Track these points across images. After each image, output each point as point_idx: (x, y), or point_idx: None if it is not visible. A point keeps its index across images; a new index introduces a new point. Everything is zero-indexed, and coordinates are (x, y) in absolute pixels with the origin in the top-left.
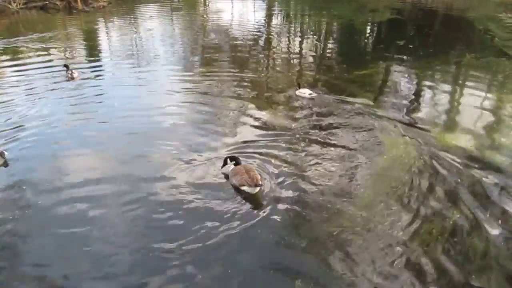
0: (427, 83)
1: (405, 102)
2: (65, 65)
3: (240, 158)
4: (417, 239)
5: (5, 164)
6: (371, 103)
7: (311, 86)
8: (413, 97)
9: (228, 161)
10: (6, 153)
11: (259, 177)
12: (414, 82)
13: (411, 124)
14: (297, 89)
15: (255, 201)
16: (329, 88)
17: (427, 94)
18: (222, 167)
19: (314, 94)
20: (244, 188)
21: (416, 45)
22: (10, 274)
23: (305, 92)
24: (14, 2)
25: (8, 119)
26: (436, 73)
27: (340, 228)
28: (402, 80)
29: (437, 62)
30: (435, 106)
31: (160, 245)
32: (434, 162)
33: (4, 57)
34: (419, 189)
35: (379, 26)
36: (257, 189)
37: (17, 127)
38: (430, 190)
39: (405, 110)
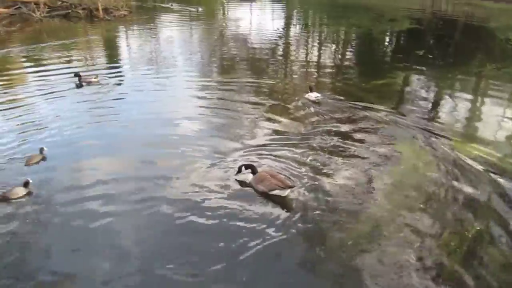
0: (447, 92)
1: (423, 111)
2: (76, 74)
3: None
4: (435, 250)
5: (44, 159)
6: (388, 112)
7: (329, 94)
8: (432, 106)
9: (243, 169)
10: (46, 149)
11: (286, 178)
12: (433, 92)
13: (430, 134)
14: (308, 93)
15: (271, 208)
16: (347, 97)
17: (446, 104)
18: (236, 173)
19: (320, 97)
20: (275, 192)
21: (436, 55)
22: (27, 269)
23: (312, 95)
24: (38, 11)
25: (30, 120)
26: (456, 83)
27: (355, 238)
28: (421, 90)
29: (457, 72)
30: (454, 116)
31: (179, 255)
32: (453, 172)
33: (27, 63)
34: (437, 199)
35: (398, 35)
36: (288, 191)
37: (38, 128)
38: (448, 200)
39: (423, 119)
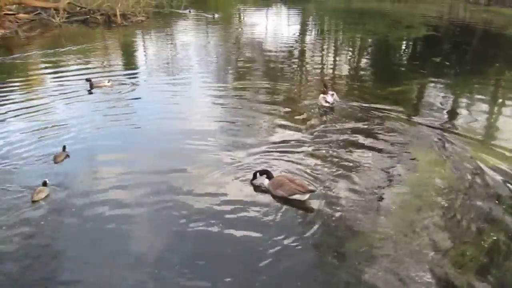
0: (464, 100)
1: (440, 119)
2: (87, 79)
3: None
4: (449, 261)
5: (68, 157)
6: (404, 119)
7: (344, 101)
8: (448, 114)
9: (258, 175)
10: (67, 148)
11: (306, 183)
12: (450, 100)
13: (447, 142)
14: (325, 93)
15: (285, 214)
16: (362, 103)
17: (463, 111)
18: (252, 180)
19: (336, 98)
20: (296, 196)
21: (453, 62)
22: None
23: (328, 98)
24: (58, 16)
25: (49, 120)
26: (474, 91)
27: (368, 246)
28: (437, 97)
29: (474, 80)
30: (472, 124)
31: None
32: (470, 181)
33: (46, 66)
34: (453, 208)
35: (414, 42)
36: (309, 195)
37: (58, 128)
38: (464, 210)
39: (440, 127)
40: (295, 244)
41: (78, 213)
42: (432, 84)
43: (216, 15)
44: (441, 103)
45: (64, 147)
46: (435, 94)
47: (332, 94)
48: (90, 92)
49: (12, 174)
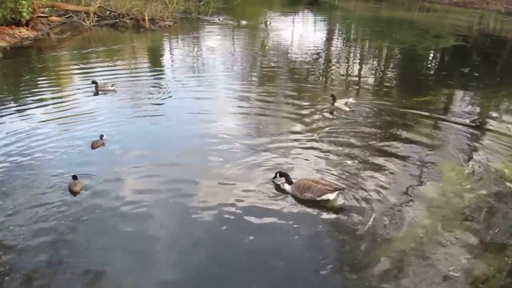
0: (493, 113)
1: (466, 131)
2: (93, 81)
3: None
4: (472, 275)
5: (104, 145)
6: (430, 129)
7: (369, 109)
8: (475, 126)
9: (278, 175)
10: (105, 136)
11: (332, 181)
12: (478, 111)
13: (472, 154)
14: (333, 103)
15: (306, 217)
16: (387, 112)
17: (491, 124)
18: (273, 178)
19: (351, 103)
20: (326, 196)
21: (482, 73)
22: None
23: (341, 104)
24: (88, 20)
25: (79, 113)
26: (503, 103)
27: (388, 257)
28: (464, 108)
29: (504, 92)
30: (499, 137)
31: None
32: (495, 194)
33: (75, 65)
34: (476, 222)
35: (442, 52)
36: (336, 193)
37: (87, 120)
38: (488, 224)
39: (466, 139)
40: (314, 247)
41: (111, 208)
42: (460, 95)
43: (243, 22)
44: (468, 115)
45: (101, 136)
46: (462, 105)
47: (346, 103)
48: (95, 94)
49: (44, 164)
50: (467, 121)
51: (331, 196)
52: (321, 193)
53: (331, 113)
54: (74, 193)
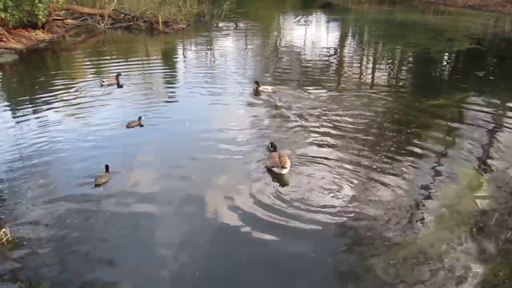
0: (508, 117)
1: (481, 135)
2: (118, 74)
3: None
4: (482, 280)
5: (141, 125)
6: (443, 133)
7: (381, 111)
8: (490, 131)
9: (270, 146)
10: (143, 118)
11: (288, 162)
12: (493, 116)
13: (486, 159)
14: (257, 87)
15: (318, 223)
16: (399, 115)
17: (506, 128)
18: (267, 148)
19: (272, 89)
20: (274, 169)
21: (497, 77)
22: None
23: (267, 88)
24: (102, 23)
25: (87, 113)
26: None
27: (397, 260)
28: (479, 113)
29: None
30: None
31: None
32: (508, 200)
33: (89, 67)
34: (488, 227)
35: (456, 55)
36: (284, 171)
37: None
38: (500, 230)
39: (480, 143)
40: (326, 251)
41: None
42: (474, 99)
43: (241, 24)
44: (482, 119)
45: (139, 118)
46: (476, 109)
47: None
48: (119, 87)
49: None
50: (482, 125)
51: (278, 171)
52: (271, 165)
53: (256, 94)
54: (98, 185)
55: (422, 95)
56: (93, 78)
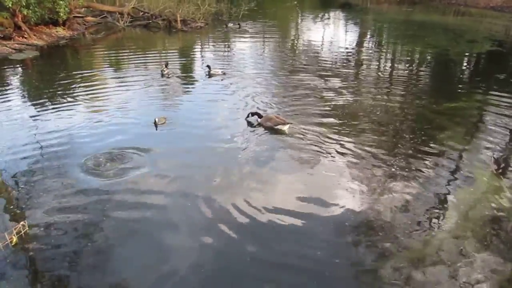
0: None
1: (501, 139)
2: (166, 64)
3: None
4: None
5: (165, 123)
6: (461, 136)
7: (398, 113)
8: (509, 134)
9: (250, 115)
10: (166, 117)
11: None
12: None
13: (506, 163)
14: (209, 71)
15: (324, 222)
16: (416, 117)
17: None
18: (246, 118)
19: (221, 71)
20: (279, 126)
21: None
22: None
23: (218, 71)
24: (122, 20)
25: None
26: None
27: (412, 263)
28: (498, 115)
29: None
30: None
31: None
32: None
33: (108, 63)
34: (505, 233)
35: (477, 57)
36: (288, 126)
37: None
38: None
39: (500, 147)
40: (334, 258)
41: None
42: (494, 102)
43: (243, 25)
44: (502, 122)
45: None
46: (496, 112)
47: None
48: (164, 76)
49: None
50: (501, 129)
51: (282, 127)
52: (276, 123)
53: (209, 77)
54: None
55: (441, 96)
56: (112, 76)
